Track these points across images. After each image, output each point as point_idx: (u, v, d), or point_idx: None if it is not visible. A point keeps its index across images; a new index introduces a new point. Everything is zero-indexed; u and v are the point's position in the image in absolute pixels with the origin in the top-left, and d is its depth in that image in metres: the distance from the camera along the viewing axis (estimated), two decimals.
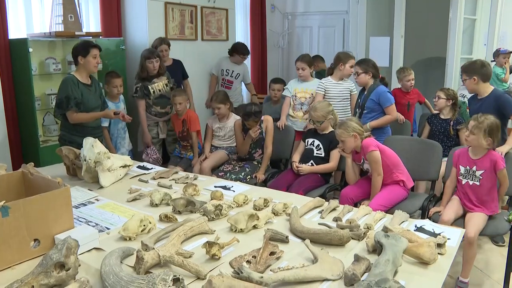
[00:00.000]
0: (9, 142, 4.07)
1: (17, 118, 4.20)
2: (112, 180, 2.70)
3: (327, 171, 3.50)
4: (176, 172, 2.91)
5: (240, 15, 6.63)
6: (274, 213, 2.13)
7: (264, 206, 2.23)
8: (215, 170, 3.92)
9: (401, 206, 3.00)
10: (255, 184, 3.52)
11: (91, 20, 4.84)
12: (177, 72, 4.77)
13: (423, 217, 2.98)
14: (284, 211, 2.14)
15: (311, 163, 3.53)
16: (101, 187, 2.63)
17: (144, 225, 1.96)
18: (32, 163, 2.88)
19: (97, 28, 4.82)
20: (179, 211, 2.20)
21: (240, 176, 3.73)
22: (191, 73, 5.11)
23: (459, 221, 2.78)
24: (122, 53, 4.65)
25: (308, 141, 3.64)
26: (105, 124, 4.00)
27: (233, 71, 5.29)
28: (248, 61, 6.99)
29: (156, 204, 2.30)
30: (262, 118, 3.85)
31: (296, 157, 3.66)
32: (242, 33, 6.80)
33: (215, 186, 2.60)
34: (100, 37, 4.56)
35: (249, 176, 3.77)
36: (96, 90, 3.46)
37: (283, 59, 7.49)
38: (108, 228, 2.04)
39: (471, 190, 2.81)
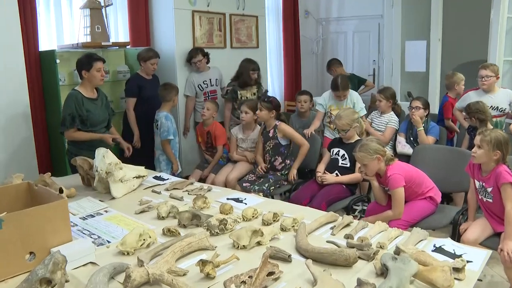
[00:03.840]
0: (38, 152, 4.15)
1: (47, 128, 4.29)
2: (125, 191, 2.66)
3: (352, 182, 3.32)
4: (192, 183, 2.83)
5: (272, 21, 6.54)
6: (282, 229, 2.00)
7: (274, 220, 2.10)
8: (239, 181, 3.83)
9: (430, 221, 2.79)
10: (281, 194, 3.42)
11: (120, 30, 4.90)
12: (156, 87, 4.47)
13: (454, 232, 2.75)
14: (293, 226, 2.01)
15: (336, 174, 3.37)
16: (113, 198, 2.59)
17: (144, 240, 1.89)
18: (49, 173, 2.90)
19: (126, 38, 4.87)
20: (184, 224, 2.11)
21: (264, 187, 3.61)
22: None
23: (495, 240, 2.52)
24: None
25: (333, 150, 3.48)
26: (171, 137, 4.02)
27: (210, 79, 4.78)
28: (281, 69, 6.92)
29: (162, 217, 2.22)
30: (277, 124, 3.72)
31: (321, 168, 3.50)
32: (274, 39, 6.70)
33: (228, 199, 2.50)
34: (127, 46, 4.60)
35: (272, 187, 3.65)
36: (102, 103, 3.38)
37: (317, 66, 7.33)
38: (108, 242, 1.98)
39: (487, 207, 2.57)
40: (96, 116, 3.30)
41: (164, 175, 3.05)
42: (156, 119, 4.09)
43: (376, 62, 6.50)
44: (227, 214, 2.24)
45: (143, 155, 4.40)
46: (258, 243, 1.86)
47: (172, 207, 2.24)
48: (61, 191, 2.61)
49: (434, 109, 5.21)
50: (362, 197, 3.38)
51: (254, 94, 4.67)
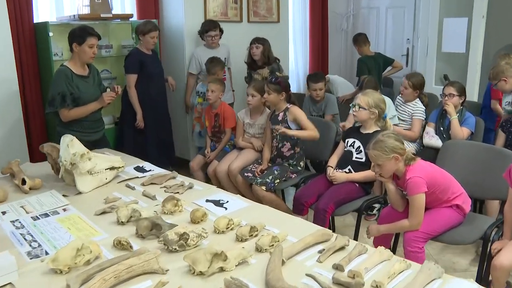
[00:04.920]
0: (33, 133, 3.89)
1: (43, 107, 4.00)
2: (94, 184, 2.31)
3: (367, 180, 2.84)
4: (173, 177, 2.45)
5: None
6: (258, 249, 1.59)
7: (250, 236, 1.69)
8: (242, 170, 3.42)
9: (454, 234, 2.32)
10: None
11: (126, 2, 4.52)
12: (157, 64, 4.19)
13: (483, 251, 2.27)
14: (271, 246, 1.60)
15: (349, 169, 2.90)
16: (80, 192, 2.25)
17: (83, 255, 1.53)
18: (18, 160, 2.59)
19: (134, 10, 4.50)
20: (141, 235, 1.74)
21: (267, 180, 3.20)
22: (235, 59, 4.63)
23: None
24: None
25: (348, 141, 3.00)
26: None
27: (219, 57, 4.27)
28: (306, 47, 6.40)
29: (122, 222, 1.86)
30: (288, 106, 3.28)
31: (333, 161, 3.04)
32: (299, 14, 6.18)
33: (207, 200, 2.10)
34: (131, 19, 4.22)
35: (277, 181, 3.23)
36: (94, 81, 3.07)
37: (346, 44, 6.74)
38: (47, 253, 1.63)
39: None
40: (87, 95, 2.99)
41: (147, 166, 2.66)
42: (203, 92, 4.11)
43: (411, 41, 5.87)
44: (198, 222, 1.85)
45: (146, 136, 4.09)
46: (222, 269, 1.46)
47: (134, 211, 1.87)
48: (23, 182, 2.32)
49: (473, 95, 4.61)
50: (377, 199, 2.91)
51: (266, 78, 4.13)
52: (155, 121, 4.12)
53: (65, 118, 2.96)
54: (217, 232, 1.75)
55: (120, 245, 1.65)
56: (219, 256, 1.45)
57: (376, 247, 2.61)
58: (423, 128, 3.50)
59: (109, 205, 2.05)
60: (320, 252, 1.57)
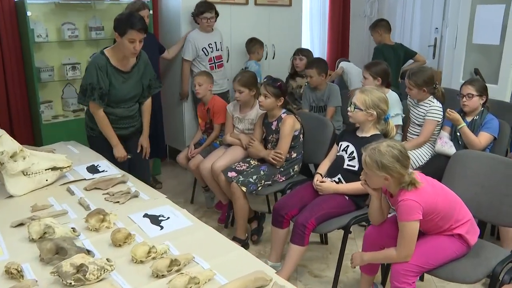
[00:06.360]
0: (15, 121, 3.67)
1: (26, 91, 3.76)
2: (31, 187, 2.02)
3: (357, 193, 2.42)
4: (123, 182, 2.12)
5: None
6: None
7: (169, 271, 1.34)
8: (225, 168, 3.06)
9: (454, 269, 1.90)
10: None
11: None
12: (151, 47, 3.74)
13: None
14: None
15: (338, 179, 2.50)
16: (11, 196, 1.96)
17: None
18: None
19: None
20: (43, 258, 1.42)
21: (250, 180, 2.83)
22: (240, 47, 4.28)
23: None
24: (149, 17, 3.87)
25: (341, 145, 2.59)
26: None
27: (215, 42, 3.95)
28: (324, 33, 5.94)
29: (33, 238, 1.55)
30: (283, 116, 2.89)
31: (323, 167, 2.64)
32: None
33: (145, 215, 1.76)
34: None
35: (260, 184, 2.85)
36: (138, 74, 2.71)
37: (369, 32, 6.23)
38: None
39: None
40: (119, 92, 2.64)
41: (101, 165, 2.34)
42: (245, 67, 4.08)
43: (439, 30, 5.31)
44: (120, 245, 1.52)
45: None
46: None
47: (47, 227, 1.55)
48: None
49: (505, 95, 4.05)
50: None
51: (301, 87, 3.96)
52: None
53: (91, 111, 2.66)
54: (135, 261, 1.41)
55: (8, 273, 1.34)
56: None
57: (363, 272, 2.27)
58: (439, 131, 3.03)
59: (32, 215, 1.75)
60: None
